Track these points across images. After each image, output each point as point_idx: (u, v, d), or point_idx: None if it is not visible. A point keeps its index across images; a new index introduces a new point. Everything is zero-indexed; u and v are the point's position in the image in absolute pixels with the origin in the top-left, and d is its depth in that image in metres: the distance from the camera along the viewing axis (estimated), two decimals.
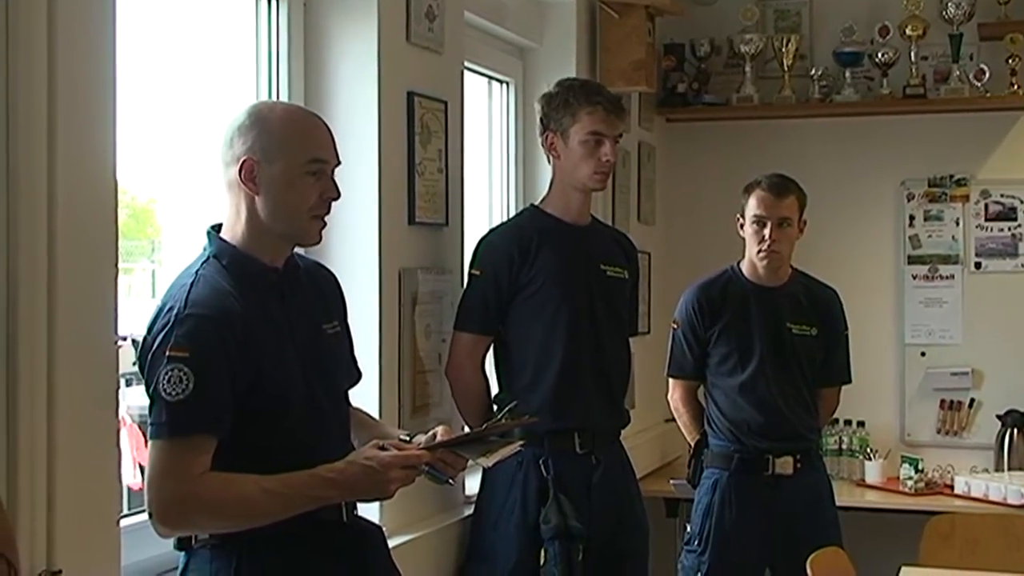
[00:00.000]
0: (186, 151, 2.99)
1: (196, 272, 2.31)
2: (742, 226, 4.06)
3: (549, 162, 3.57)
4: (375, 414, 3.01)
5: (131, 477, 2.96)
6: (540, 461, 3.38)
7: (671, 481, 4.70)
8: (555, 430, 3.39)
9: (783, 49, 5.39)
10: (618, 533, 3.51)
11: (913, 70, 5.24)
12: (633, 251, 3.78)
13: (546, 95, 3.54)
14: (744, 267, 4.11)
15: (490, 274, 3.43)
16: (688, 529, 4.13)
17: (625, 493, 3.58)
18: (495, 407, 3.45)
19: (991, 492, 4.81)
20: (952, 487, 4.99)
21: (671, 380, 4.24)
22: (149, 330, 2.26)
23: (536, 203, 3.63)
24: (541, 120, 3.52)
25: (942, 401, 5.38)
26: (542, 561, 3.31)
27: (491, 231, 3.58)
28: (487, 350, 3.52)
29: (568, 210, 3.53)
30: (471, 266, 3.48)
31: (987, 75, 5.15)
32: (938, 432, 5.38)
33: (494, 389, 3.55)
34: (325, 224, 2.42)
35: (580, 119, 3.43)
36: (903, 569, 3.57)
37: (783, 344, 4.03)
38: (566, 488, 3.38)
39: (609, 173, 3.50)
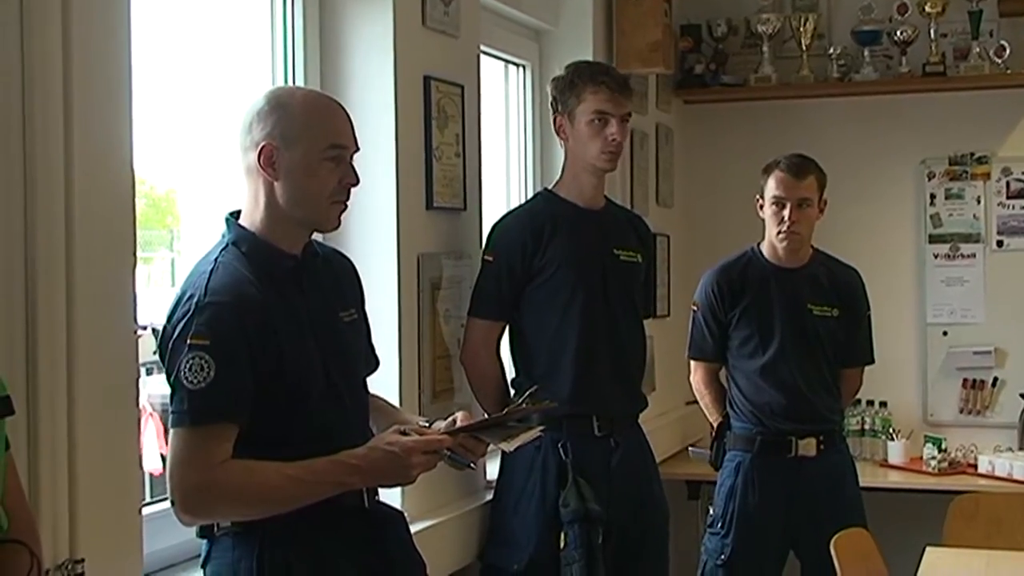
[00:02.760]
0: (205, 140, 2.99)
1: (215, 259, 2.31)
2: (761, 207, 4.04)
3: (561, 145, 3.57)
4: (395, 400, 3.00)
5: (154, 463, 2.97)
6: (559, 445, 3.38)
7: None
8: (573, 415, 3.38)
9: (801, 28, 5.35)
10: (638, 516, 3.50)
11: (932, 48, 5.20)
12: (648, 234, 3.76)
13: (555, 78, 3.55)
14: (764, 249, 4.09)
15: (503, 260, 3.43)
16: (711, 512, 4.12)
17: (644, 476, 3.58)
18: (513, 392, 3.45)
19: (1015, 471, 4.79)
20: (976, 466, 4.97)
21: (692, 362, 4.23)
22: (169, 319, 2.26)
23: (549, 187, 3.63)
24: (552, 103, 3.52)
25: (965, 380, 5.35)
26: (562, 545, 3.31)
27: (504, 216, 3.57)
28: (501, 336, 3.51)
29: (581, 194, 3.52)
30: (484, 252, 3.48)
31: (1007, 52, 5.10)
32: (961, 411, 5.35)
33: (510, 374, 3.54)
34: (345, 209, 2.41)
35: (585, 99, 3.43)
36: (928, 549, 3.56)
37: (804, 326, 4.01)
38: (585, 471, 3.38)
39: (618, 153, 3.48)
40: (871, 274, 4.31)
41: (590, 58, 4.24)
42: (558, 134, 3.53)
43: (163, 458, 2.76)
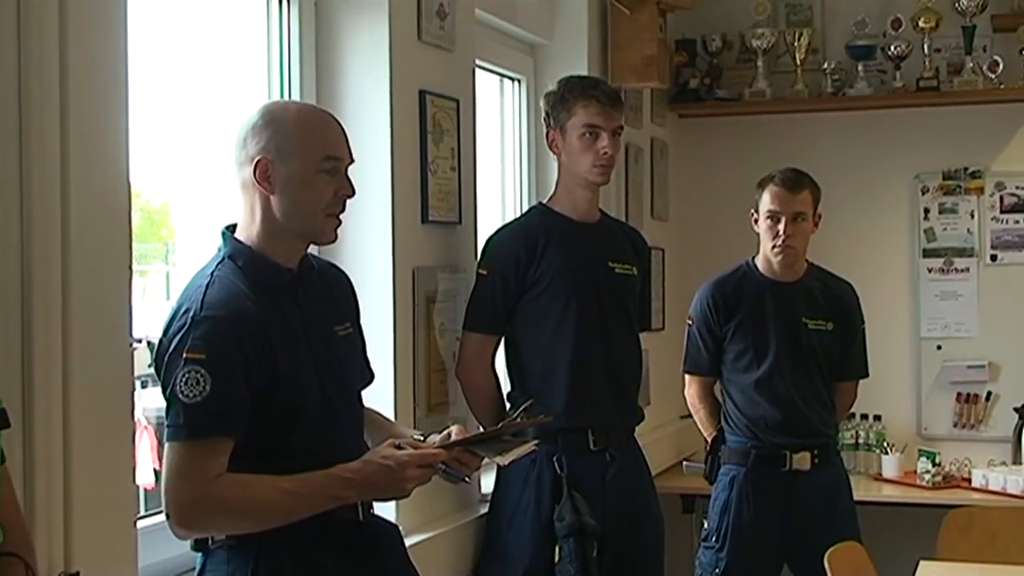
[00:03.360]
0: (200, 153, 2.99)
1: (211, 273, 2.31)
2: (756, 221, 4.04)
3: (555, 159, 3.57)
4: (390, 413, 3.01)
5: (147, 477, 2.97)
6: (554, 459, 3.37)
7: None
8: (569, 428, 3.39)
9: (795, 43, 5.38)
10: (633, 530, 3.50)
11: (926, 63, 5.22)
12: (644, 246, 3.77)
13: (547, 93, 3.57)
14: (759, 262, 4.09)
15: (497, 274, 3.43)
16: (705, 526, 4.11)
17: (640, 490, 3.57)
18: (508, 405, 3.45)
19: (1009, 485, 4.79)
20: (970, 480, 4.98)
21: (687, 376, 4.23)
22: (165, 332, 2.26)
23: (544, 201, 3.64)
24: (544, 118, 3.54)
25: (959, 394, 5.36)
26: (557, 558, 3.31)
27: (498, 230, 3.57)
28: (496, 349, 3.52)
29: (575, 207, 3.53)
30: (478, 265, 3.48)
31: (1001, 66, 5.13)
32: (955, 425, 5.36)
33: (505, 388, 3.54)
34: (340, 223, 2.42)
35: (576, 113, 3.44)
36: (921, 563, 3.56)
37: (799, 339, 4.01)
38: (580, 485, 3.37)
39: (610, 166, 3.49)
40: (865, 288, 4.32)
41: (585, 72, 4.25)
42: (551, 148, 3.54)
43: (156, 472, 2.76)
